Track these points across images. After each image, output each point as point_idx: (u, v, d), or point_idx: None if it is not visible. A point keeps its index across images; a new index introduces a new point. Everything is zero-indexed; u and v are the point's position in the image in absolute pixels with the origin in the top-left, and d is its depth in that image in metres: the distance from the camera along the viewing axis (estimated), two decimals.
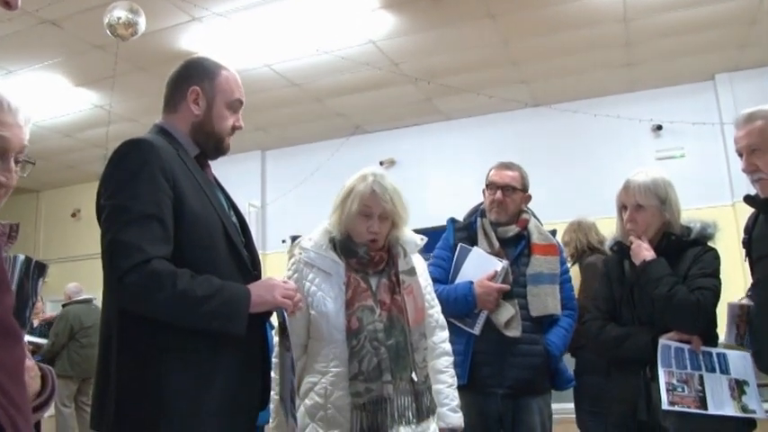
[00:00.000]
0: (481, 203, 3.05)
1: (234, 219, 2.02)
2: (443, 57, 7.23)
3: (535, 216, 3.05)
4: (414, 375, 2.19)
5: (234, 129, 2.04)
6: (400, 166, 9.20)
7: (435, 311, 2.46)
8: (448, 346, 2.45)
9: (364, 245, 2.29)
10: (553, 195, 7.84)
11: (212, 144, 2.01)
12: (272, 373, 2.10)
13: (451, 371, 2.43)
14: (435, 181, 8.64)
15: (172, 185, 1.79)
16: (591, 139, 8.44)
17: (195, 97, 1.97)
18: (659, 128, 8.37)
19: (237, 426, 1.86)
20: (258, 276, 1.97)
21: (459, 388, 2.68)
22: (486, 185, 2.99)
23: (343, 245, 2.30)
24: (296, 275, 2.29)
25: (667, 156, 8.10)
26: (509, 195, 2.92)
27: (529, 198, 3.03)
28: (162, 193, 1.76)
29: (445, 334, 2.47)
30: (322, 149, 9.47)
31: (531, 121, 8.69)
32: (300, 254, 2.33)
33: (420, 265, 2.48)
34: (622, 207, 2.50)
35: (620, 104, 8.28)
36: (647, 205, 2.45)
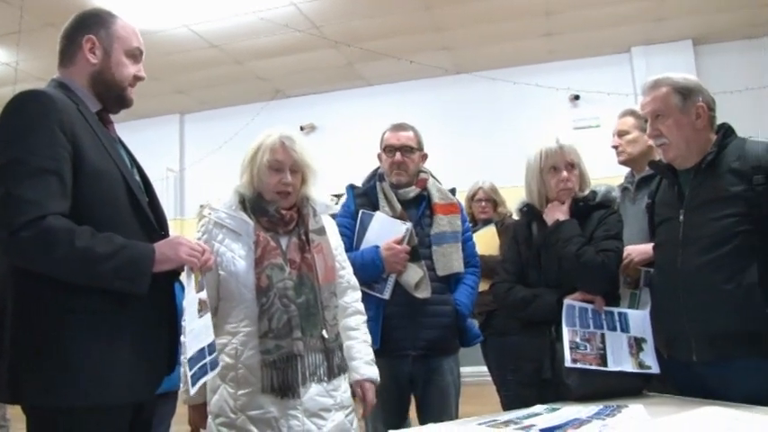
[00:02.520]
0: (378, 168, 3.03)
1: (137, 177, 1.96)
2: (365, 21, 7.17)
3: (433, 176, 3.05)
4: (324, 333, 2.19)
5: (136, 79, 1.98)
6: (321, 131, 9.14)
7: (347, 273, 2.45)
8: (360, 306, 2.46)
9: (275, 202, 2.26)
10: (473, 162, 7.95)
11: (114, 95, 1.95)
12: (182, 337, 2.04)
13: (364, 328, 2.43)
14: (356, 147, 8.57)
15: (71, 140, 1.72)
16: (510, 107, 8.58)
17: (91, 46, 1.90)
18: (576, 98, 8.57)
19: (144, 388, 1.83)
20: (166, 236, 1.92)
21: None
22: (383, 149, 2.97)
23: (254, 203, 2.28)
24: (205, 236, 2.25)
25: (584, 125, 8.31)
26: (408, 156, 2.91)
27: (425, 157, 3.03)
28: (60, 148, 1.70)
29: (357, 294, 2.47)
30: (242, 113, 9.28)
31: (453, 88, 8.75)
32: (209, 214, 2.28)
33: (330, 226, 2.47)
34: (551, 168, 2.52)
35: (539, 73, 8.43)
36: (577, 163, 2.51)
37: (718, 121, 2.27)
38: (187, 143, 10.28)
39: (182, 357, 1.89)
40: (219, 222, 2.26)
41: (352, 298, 2.45)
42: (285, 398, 2.11)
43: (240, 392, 2.13)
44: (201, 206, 2.37)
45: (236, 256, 2.20)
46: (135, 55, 1.97)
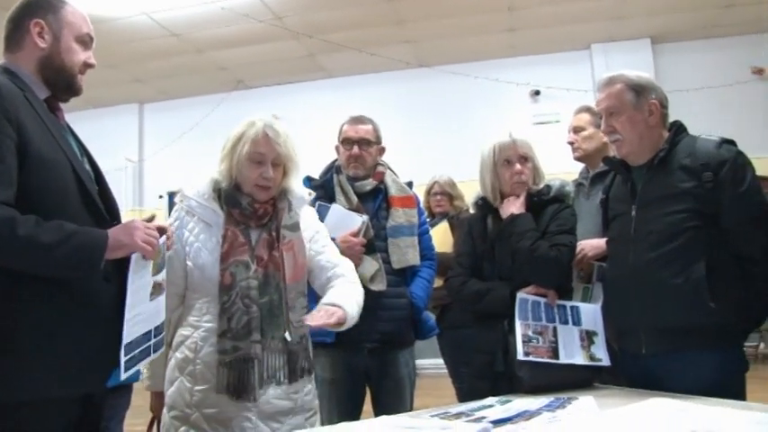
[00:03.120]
0: (335, 160, 3.01)
1: (87, 166, 1.91)
2: (327, 12, 7.14)
3: (391, 169, 3.05)
4: (287, 335, 2.14)
5: (86, 66, 1.93)
6: (282, 123, 9.06)
7: (329, 251, 2.38)
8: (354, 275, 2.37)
9: (250, 195, 2.19)
10: (434, 156, 7.98)
11: (63, 81, 1.89)
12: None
13: (358, 281, 2.34)
14: (318, 140, 8.55)
15: (15, 128, 1.67)
16: (471, 102, 8.64)
17: (39, 30, 1.85)
18: (537, 93, 8.66)
19: (93, 380, 1.79)
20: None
21: (327, 346, 2.69)
22: (341, 141, 2.95)
23: (229, 195, 2.20)
24: (177, 223, 2.20)
25: (544, 120, 8.39)
26: (365, 149, 2.90)
27: (383, 150, 3.02)
28: (4, 135, 1.64)
29: (349, 265, 2.39)
30: (203, 104, 9.20)
31: (414, 82, 8.78)
32: (182, 201, 2.23)
33: (309, 217, 2.40)
34: (505, 161, 2.53)
35: (500, 68, 8.50)
36: (530, 157, 2.52)
37: (676, 119, 2.32)
38: (146, 133, 10.14)
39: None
40: (191, 211, 2.20)
41: (345, 269, 2.34)
42: (240, 399, 2.06)
43: (197, 388, 2.09)
44: (169, 193, 2.32)
45: (204, 247, 2.16)
46: (85, 41, 1.93)
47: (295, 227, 2.27)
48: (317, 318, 2.04)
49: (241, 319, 2.08)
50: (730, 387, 2.04)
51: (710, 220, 2.11)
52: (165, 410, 2.16)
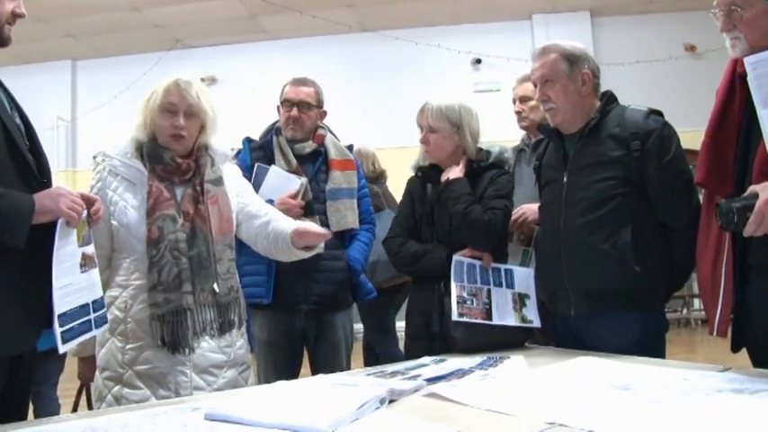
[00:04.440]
0: (276, 121, 3.00)
1: (18, 121, 1.84)
2: None
3: (332, 132, 3.05)
4: (215, 286, 2.17)
5: (15, 16, 1.82)
6: (222, 84, 8.93)
7: (257, 201, 2.45)
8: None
9: (169, 148, 2.20)
10: (374, 121, 7.99)
11: None
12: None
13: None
14: (257, 101, 8.45)
15: None
16: (413, 68, 8.65)
17: None
18: (479, 61, 8.71)
19: (20, 341, 1.75)
20: (48, 185, 1.82)
21: (264, 307, 2.71)
22: (282, 102, 2.93)
23: (150, 149, 2.21)
24: (99, 184, 2.18)
25: (485, 89, 8.47)
26: (305, 112, 2.89)
27: (324, 114, 3.02)
28: None
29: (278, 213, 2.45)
30: (139, 63, 8.92)
31: (356, 46, 8.74)
32: (104, 161, 2.20)
33: (233, 174, 2.43)
34: (420, 129, 2.57)
35: (442, 36, 8.52)
36: (438, 127, 2.54)
37: (607, 89, 2.38)
38: (80, 91, 9.83)
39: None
40: (114, 171, 2.19)
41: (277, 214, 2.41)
42: (175, 353, 2.09)
43: (128, 347, 2.10)
44: (95, 155, 2.28)
45: (129, 206, 2.15)
46: None
47: (218, 181, 2.29)
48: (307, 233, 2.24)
49: (171, 271, 2.09)
50: (651, 347, 2.15)
51: (637, 187, 2.19)
52: (97, 373, 2.16)
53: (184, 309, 2.09)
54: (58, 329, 1.73)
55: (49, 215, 1.73)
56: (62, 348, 1.77)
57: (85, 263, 1.88)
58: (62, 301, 1.76)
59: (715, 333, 1.90)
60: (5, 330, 1.68)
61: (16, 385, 1.79)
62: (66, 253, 1.80)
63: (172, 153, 2.20)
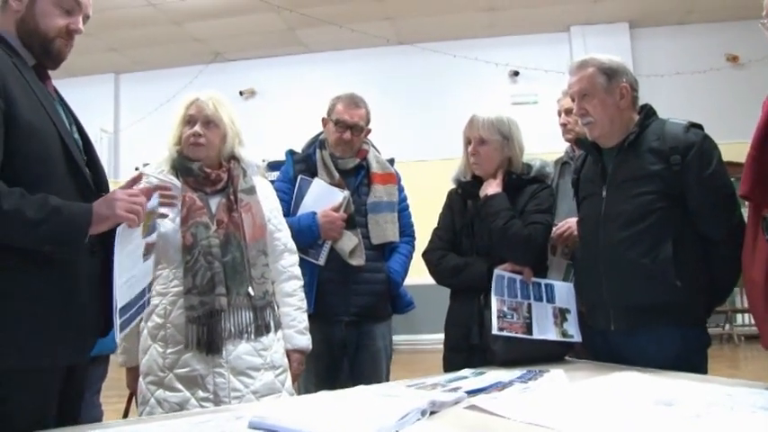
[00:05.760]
0: (320, 134, 3.02)
1: (76, 135, 1.88)
2: None
3: (373, 146, 3.08)
4: (250, 290, 2.25)
5: (70, 32, 1.86)
6: (261, 97, 9.05)
7: (283, 236, 2.49)
8: (297, 271, 2.50)
9: (191, 157, 2.31)
10: (411, 134, 8.02)
11: (38, 45, 1.82)
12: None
13: (300, 294, 2.48)
14: (296, 114, 8.55)
15: (2, 94, 1.63)
16: (450, 81, 8.65)
17: None
18: (516, 74, 8.69)
19: (75, 351, 1.78)
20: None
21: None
22: (335, 122, 2.91)
23: (179, 163, 2.33)
24: None
25: (522, 101, 8.44)
26: (357, 135, 2.92)
27: (369, 131, 3.04)
28: None
29: (294, 258, 2.51)
30: (180, 76, 9.07)
31: (393, 59, 8.77)
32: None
33: (265, 188, 2.51)
34: (467, 141, 2.59)
35: (479, 48, 8.52)
36: (490, 140, 2.54)
37: (646, 103, 2.37)
38: (122, 104, 10.03)
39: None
40: None
41: (289, 262, 2.48)
42: (210, 354, 2.16)
43: (168, 351, 2.18)
44: (145, 165, 2.39)
45: (167, 218, 2.21)
46: (68, 5, 1.84)
47: (251, 190, 2.40)
48: None
49: (205, 275, 2.18)
50: (692, 362, 2.13)
51: (677, 201, 2.18)
52: (140, 379, 2.22)
53: (218, 310, 2.17)
54: (117, 320, 1.75)
55: (108, 222, 1.71)
56: (119, 336, 1.83)
57: (147, 251, 1.93)
58: (123, 296, 1.78)
59: None
60: (63, 339, 1.71)
61: (70, 393, 1.82)
62: (130, 251, 1.82)
63: (200, 164, 2.31)
